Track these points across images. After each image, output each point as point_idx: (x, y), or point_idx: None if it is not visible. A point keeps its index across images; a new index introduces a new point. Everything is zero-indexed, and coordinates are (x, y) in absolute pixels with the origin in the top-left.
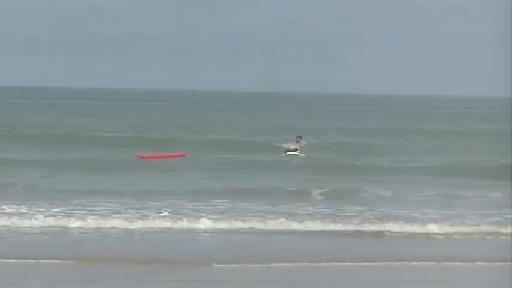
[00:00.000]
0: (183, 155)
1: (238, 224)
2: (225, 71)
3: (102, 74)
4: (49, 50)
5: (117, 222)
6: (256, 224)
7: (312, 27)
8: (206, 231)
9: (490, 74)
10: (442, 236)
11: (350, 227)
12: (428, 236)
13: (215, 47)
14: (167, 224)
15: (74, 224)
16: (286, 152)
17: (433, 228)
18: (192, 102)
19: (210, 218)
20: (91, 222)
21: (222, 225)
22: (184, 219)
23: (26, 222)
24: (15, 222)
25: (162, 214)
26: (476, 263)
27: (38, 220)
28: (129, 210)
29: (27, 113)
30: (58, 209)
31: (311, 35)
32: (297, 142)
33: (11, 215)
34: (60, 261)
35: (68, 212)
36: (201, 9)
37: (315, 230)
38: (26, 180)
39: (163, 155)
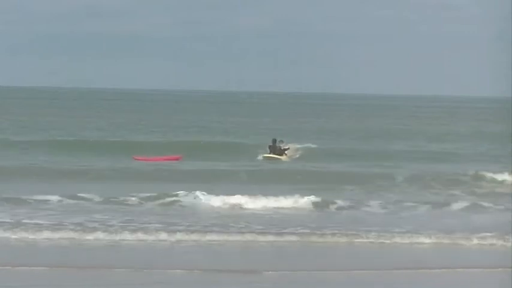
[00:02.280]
0: (177, 158)
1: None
2: (225, 71)
3: (101, 74)
4: (49, 50)
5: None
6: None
7: (312, 27)
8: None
9: (490, 74)
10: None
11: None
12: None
13: (215, 47)
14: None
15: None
16: (265, 155)
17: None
18: (191, 102)
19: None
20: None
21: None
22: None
23: None
24: None
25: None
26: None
27: None
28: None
29: (24, 113)
30: None
31: (311, 35)
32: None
33: None
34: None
35: None
36: (201, 9)
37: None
38: None
39: (160, 158)
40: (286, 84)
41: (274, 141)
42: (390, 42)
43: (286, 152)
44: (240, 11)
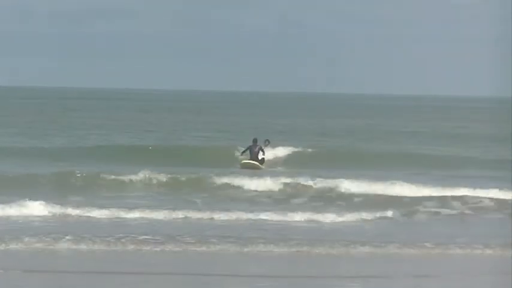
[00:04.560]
0: None
1: None
2: (225, 71)
3: (101, 74)
4: (49, 50)
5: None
6: None
7: (313, 27)
8: None
9: (490, 74)
10: None
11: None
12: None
13: (215, 47)
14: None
15: None
16: (243, 161)
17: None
18: (191, 102)
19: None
20: None
21: None
22: None
23: None
24: None
25: None
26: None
27: None
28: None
29: (22, 113)
30: None
31: (312, 35)
32: (265, 146)
33: None
34: None
35: None
36: (202, 9)
37: None
38: None
39: None
40: (287, 84)
41: (255, 141)
42: (390, 42)
43: (263, 160)
44: (242, 11)
